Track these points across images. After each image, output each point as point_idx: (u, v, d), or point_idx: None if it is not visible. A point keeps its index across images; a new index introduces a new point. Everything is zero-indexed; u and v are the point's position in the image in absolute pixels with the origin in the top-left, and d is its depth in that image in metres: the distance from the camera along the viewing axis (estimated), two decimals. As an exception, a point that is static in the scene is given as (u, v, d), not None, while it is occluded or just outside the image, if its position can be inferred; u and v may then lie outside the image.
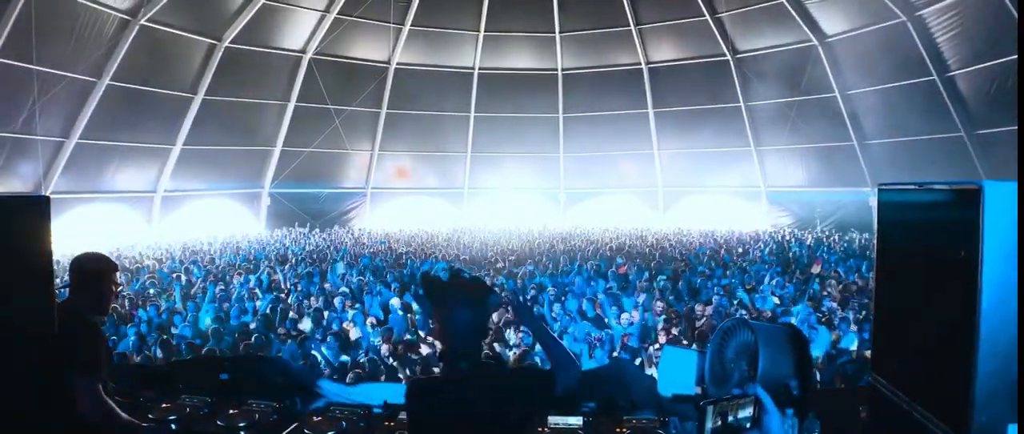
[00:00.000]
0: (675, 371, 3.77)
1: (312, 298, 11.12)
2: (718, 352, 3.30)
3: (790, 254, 17.27)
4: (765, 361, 2.72)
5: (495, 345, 7.98)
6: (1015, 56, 16.01)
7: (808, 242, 20.16)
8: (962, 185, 1.98)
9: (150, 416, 3.57)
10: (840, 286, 12.02)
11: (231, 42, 22.45)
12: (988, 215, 1.84)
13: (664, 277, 13.09)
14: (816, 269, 14.03)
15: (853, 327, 8.64)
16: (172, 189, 23.51)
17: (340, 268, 14.49)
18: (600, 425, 3.51)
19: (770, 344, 2.80)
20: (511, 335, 8.24)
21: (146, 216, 22.93)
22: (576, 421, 3.46)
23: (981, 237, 1.85)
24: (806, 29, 22.76)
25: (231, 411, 3.66)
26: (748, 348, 2.92)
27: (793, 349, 2.77)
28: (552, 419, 3.45)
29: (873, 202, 22.63)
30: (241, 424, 3.50)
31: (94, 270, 3.35)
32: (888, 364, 2.56)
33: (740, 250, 18.11)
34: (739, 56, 25.28)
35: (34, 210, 2.78)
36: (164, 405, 3.71)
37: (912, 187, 2.30)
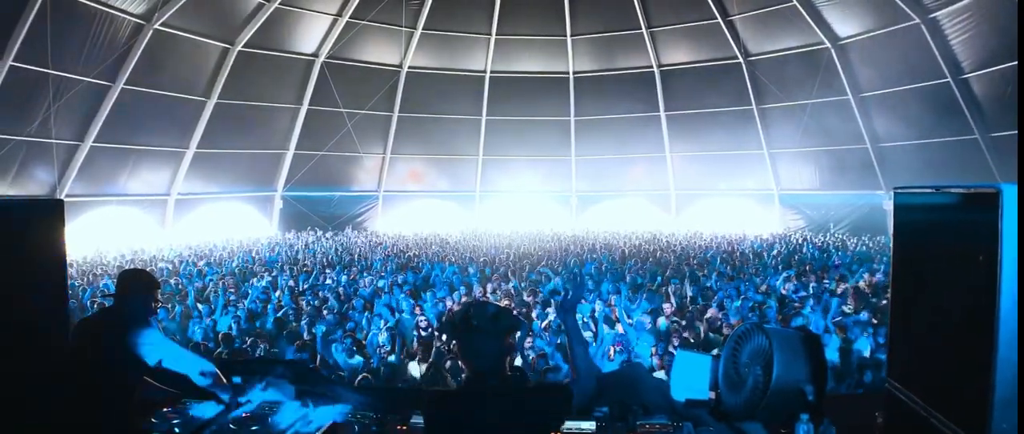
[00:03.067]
0: (688, 376, 3.76)
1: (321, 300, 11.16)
2: (732, 357, 3.28)
3: (803, 256, 17.18)
4: (780, 367, 2.70)
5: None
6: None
7: (821, 245, 20.05)
8: (980, 188, 1.95)
9: (153, 420, 3.58)
10: (852, 289, 11.94)
11: (244, 46, 22.57)
12: (1007, 219, 1.81)
13: (676, 281, 13.03)
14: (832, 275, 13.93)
15: (867, 331, 8.59)
16: (185, 192, 23.66)
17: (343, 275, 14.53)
18: (613, 430, 3.49)
19: (785, 349, 2.77)
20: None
21: (160, 219, 23.06)
22: (589, 426, 3.44)
23: (1000, 241, 1.82)
24: (819, 32, 22.65)
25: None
26: (763, 353, 2.89)
27: (808, 354, 2.74)
28: (565, 424, 3.43)
29: (887, 205, 22.64)
30: (253, 428, 3.49)
31: (144, 282, 3.80)
32: (905, 369, 2.53)
33: (751, 253, 18.01)
34: (751, 59, 25.17)
35: (49, 214, 2.80)
36: (166, 410, 3.69)
37: (929, 190, 2.27)
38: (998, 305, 1.84)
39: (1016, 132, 15.29)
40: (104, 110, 19.44)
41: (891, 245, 2.67)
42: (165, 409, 3.66)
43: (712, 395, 3.68)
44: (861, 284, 12.51)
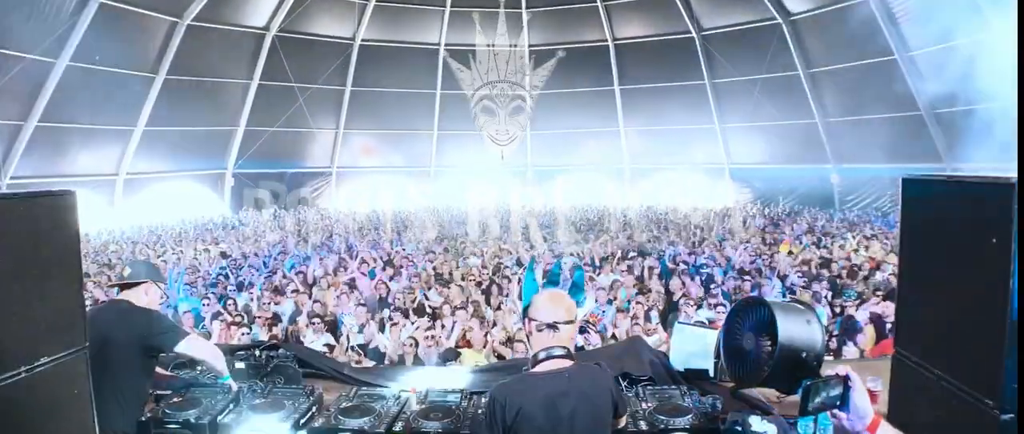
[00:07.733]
0: (688, 347, 3.97)
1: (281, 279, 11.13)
2: (731, 329, 3.45)
3: (758, 228, 17.68)
4: (783, 335, 2.88)
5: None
6: (975, 37, 16.37)
7: (772, 218, 20.62)
8: (994, 178, 2.13)
9: (167, 410, 3.58)
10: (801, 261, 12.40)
11: (193, 20, 21.97)
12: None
13: (634, 254, 13.35)
14: (784, 248, 14.40)
15: (822, 303, 9.00)
16: (135, 171, 23.09)
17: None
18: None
19: (786, 320, 2.95)
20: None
21: (108, 199, 22.49)
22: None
23: (1013, 230, 2.00)
24: (771, 7, 23.07)
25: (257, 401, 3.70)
26: (764, 324, 3.07)
27: (807, 322, 2.94)
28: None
29: (834, 179, 23.27)
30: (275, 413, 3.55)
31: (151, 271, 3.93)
32: (913, 339, 2.75)
33: (705, 226, 18.47)
34: (704, 33, 25.53)
35: (62, 204, 2.82)
36: (176, 399, 3.70)
37: (940, 179, 2.47)
38: (1012, 281, 2.03)
39: (1016, 127, 15.77)
40: (49, 88, 18.80)
41: (897, 228, 2.87)
42: (175, 398, 3.69)
43: (712, 364, 3.90)
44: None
